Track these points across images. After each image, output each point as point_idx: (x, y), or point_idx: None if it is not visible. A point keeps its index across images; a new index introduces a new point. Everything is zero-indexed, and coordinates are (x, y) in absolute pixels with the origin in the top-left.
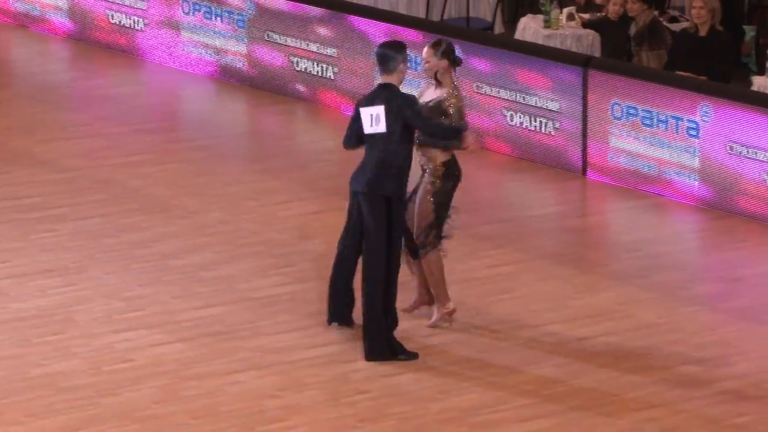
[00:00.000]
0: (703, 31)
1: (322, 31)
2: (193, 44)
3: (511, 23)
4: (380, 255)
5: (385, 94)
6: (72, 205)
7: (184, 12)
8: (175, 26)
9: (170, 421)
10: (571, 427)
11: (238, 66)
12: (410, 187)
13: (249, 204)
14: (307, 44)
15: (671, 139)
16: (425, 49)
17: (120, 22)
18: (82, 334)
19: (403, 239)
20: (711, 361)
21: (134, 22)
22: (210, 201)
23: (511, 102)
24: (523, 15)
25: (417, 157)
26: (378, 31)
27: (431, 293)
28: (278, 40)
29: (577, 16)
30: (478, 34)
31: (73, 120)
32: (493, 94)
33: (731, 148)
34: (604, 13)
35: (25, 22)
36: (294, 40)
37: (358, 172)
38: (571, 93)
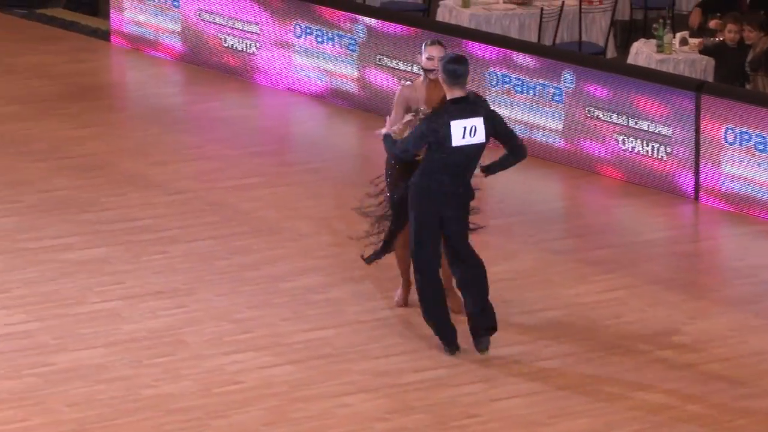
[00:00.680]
0: None
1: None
2: (305, 67)
3: (623, 48)
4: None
5: (476, 108)
6: (183, 227)
7: (296, 35)
8: (287, 49)
9: None
10: None
11: (348, 89)
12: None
13: (359, 227)
14: (419, 68)
15: None
16: (436, 48)
17: (233, 45)
18: (192, 356)
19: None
20: None
21: (247, 46)
22: (320, 224)
23: (623, 126)
24: (636, 39)
25: None
26: (490, 55)
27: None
28: (389, 64)
29: (690, 41)
30: (591, 59)
31: (186, 142)
32: (605, 118)
33: None
34: (719, 39)
35: (139, 46)
36: (405, 63)
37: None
38: (683, 118)
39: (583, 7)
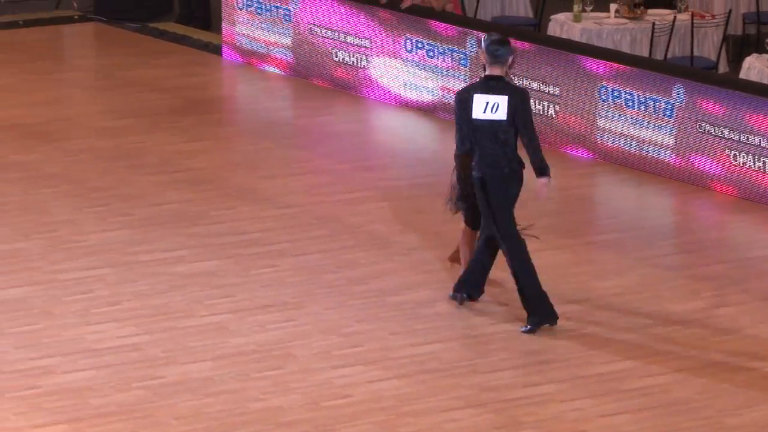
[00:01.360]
0: None
1: (546, 69)
2: (415, 82)
3: (735, 63)
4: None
5: (505, 86)
6: (292, 241)
7: (407, 50)
8: (397, 63)
9: None
10: None
11: None
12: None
13: None
14: (529, 83)
15: None
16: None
17: (343, 59)
18: (300, 370)
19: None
20: None
21: (357, 60)
22: (429, 238)
23: (735, 142)
24: (748, 54)
25: None
26: (601, 69)
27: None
28: None
29: None
30: (703, 73)
31: (296, 157)
32: (717, 133)
33: None
34: None
35: (250, 60)
36: (516, 78)
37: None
38: None
39: (695, 21)
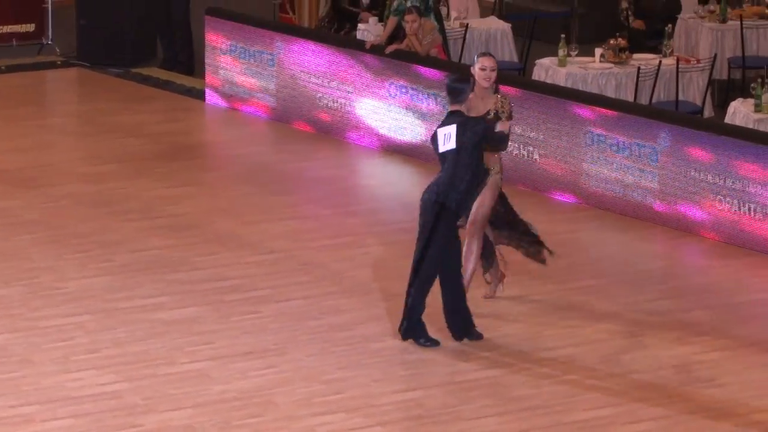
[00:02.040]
0: None
1: (531, 113)
2: (399, 126)
3: (721, 107)
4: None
5: (456, 118)
6: (274, 287)
7: (390, 94)
8: (382, 108)
9: None
10: None
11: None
12: None
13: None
14: (514, 127)
15: None
16: (489, 60)
17: (327, 104)
18: (282, 417)
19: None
20: None
21: (341, 104)
22: None
23: (720, 187)
24: (734, 99)
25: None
26: (586, 113)
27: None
28: None
29: None
30: (688, 118)
31: (279, 202)
32: (702, 178)
33: None
34: None
35: (234, 104)
36: None
37: (431, 186)
38: None
39: (680, 66)
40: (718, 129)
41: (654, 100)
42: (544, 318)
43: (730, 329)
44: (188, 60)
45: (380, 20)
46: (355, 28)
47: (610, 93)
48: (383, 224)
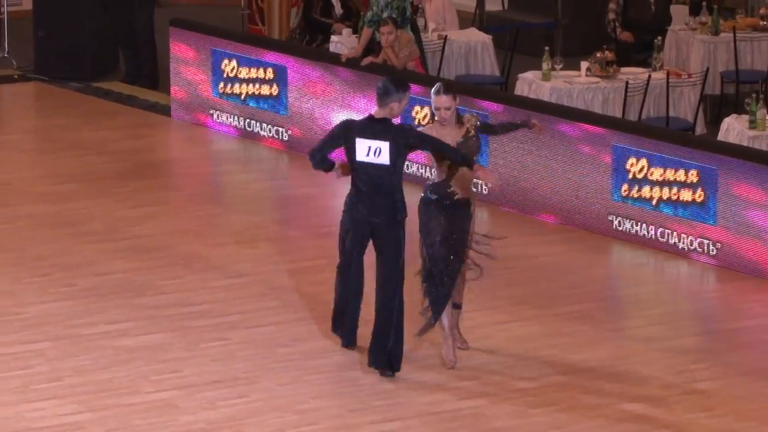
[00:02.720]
0: None
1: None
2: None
3: (714, 123)
4: (401, 278)
5: (385, 129)
6: (243, 313)
7: (365, 109)
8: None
9: None
10: None
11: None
12: None
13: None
14: (496, 144)
15: None
16: (442, 98)
17: (297, 120)
18: None
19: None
20: None
21: (313, 120)
22: None
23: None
24: (727, 115)
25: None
26: (573, 131)
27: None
28: None
29: None
30: (678, 135)
31: (247, 222)
32: (696, 198)
33: None
34: None
35: (200, 120)
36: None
37: (365, 203)
38: None
39: (671, 80)
40: (711, 147)
41: (643, 117)
42: (530, 344)
43: (723, 356)
44: (152, 73)
45: (354, 32)
46: (327, 40)
47: (597, 108)
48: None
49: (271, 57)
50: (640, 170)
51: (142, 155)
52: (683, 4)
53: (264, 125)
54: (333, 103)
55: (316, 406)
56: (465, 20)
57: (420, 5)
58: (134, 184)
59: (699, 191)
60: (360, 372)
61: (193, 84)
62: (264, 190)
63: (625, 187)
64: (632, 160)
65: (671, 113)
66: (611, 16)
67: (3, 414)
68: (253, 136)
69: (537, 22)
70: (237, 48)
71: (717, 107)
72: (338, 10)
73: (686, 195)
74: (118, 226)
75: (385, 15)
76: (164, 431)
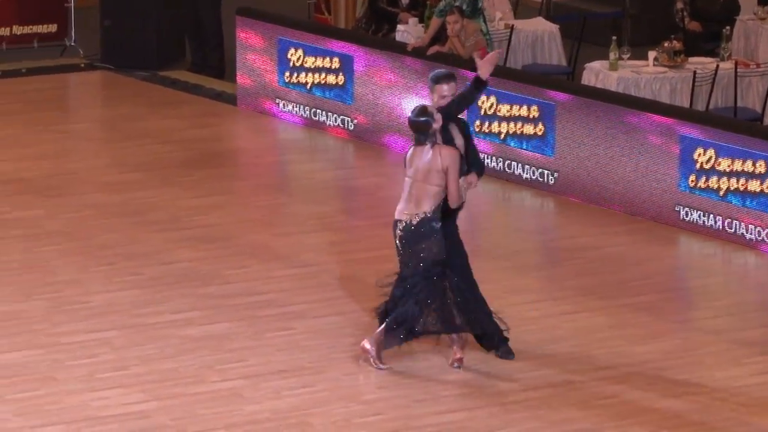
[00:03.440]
0: None
1: (577, 119)
2: None
3: None
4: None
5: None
6: (309, 302)
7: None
8: None
9: None
10: None
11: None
12: None
13: (497, 303)
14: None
15: None
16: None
17: (365, 109)
18: None
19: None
20: None
21: (379, 109)
22: None
23: None
24: None
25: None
26: (640, 122)
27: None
28: None
29: None
30: (746, 125)
31: (313, 212)
32: (765, 189)
33: None
34: None
35: (266, 109)
36: None
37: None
38: None
39: (739, 70)
40: None
41: (711, 107)
42: (595, 335)
43: None
44: (219, 63)
45: (420, 21)
46: (394, 29)
47: (665, 99)
48: None
49: (338, 46)
50: (708, 161)
51: (208, 144)
52: None
53: (330, 114)
54: (399, 92)
55: (382, 396)
56: (532, 9)
57: None
58: (200, 173)
59: (767, 182)
60: (427, 362)
61: (259, 73)
62: (330, 180)
63: (692, 177)
64: (700, 150)
65: (739, 103)
66: (679, 5)
67: (68, 402)
68: (319, 126)
69: (604, 12)
70: (303, 37)
71: None
72: None
73: (754, 185)
74: (183, 215)
75: (457, 5)
76: (229, 420)
